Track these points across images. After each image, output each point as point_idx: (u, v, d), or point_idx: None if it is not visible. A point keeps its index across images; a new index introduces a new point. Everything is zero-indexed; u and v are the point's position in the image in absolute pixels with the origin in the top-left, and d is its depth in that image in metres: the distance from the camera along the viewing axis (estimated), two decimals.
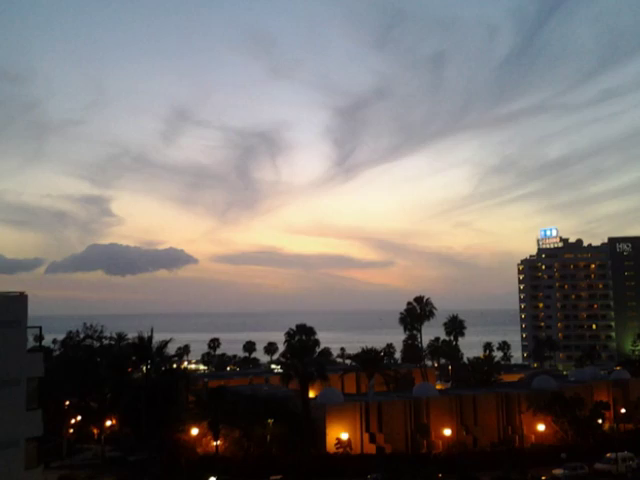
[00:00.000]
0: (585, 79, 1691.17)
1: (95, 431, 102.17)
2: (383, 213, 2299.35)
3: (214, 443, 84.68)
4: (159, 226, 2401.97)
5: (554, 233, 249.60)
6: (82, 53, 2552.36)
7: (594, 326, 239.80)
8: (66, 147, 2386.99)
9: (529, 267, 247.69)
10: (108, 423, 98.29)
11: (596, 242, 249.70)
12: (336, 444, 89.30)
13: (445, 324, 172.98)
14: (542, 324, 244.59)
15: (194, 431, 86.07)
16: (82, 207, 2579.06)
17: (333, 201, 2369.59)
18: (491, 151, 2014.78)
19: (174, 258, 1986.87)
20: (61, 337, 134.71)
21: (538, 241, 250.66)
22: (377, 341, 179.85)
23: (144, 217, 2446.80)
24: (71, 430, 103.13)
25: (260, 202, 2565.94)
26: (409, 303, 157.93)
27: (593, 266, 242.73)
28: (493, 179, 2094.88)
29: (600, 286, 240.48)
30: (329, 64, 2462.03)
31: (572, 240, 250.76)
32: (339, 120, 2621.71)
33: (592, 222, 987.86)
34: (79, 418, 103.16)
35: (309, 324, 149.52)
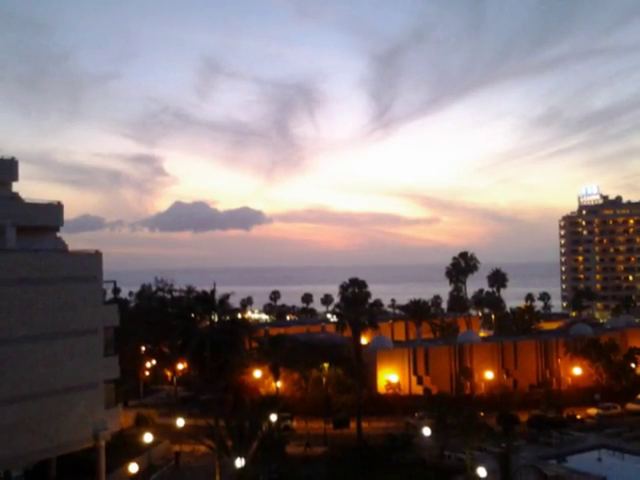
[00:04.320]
0: (634, 17, 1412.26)
1: (168, 374, 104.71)
2: (426, 169, 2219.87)
3: (275, 384, 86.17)
4: (210, 185, 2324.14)
5: (594, 190, 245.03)
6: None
7: (631, 277, 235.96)
8: (103, 103, 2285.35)
9: (570, 223, 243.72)
10: (180, 367, 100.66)
11: (638, 196, 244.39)
12: (386, 386, 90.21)
13: (489, 277, 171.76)
14: (581, 276, 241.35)
15: (257, 374, 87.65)
16: (134, 166, 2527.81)
17: (374, 157, 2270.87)
18: (535, 101, 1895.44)
19: (244, 217, 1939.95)
20: (137, 290, 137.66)
21: (579, 198, 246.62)
22: (425, 293, 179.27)
23: (195, 176, 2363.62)
24: (147, 373, 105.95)
25: (303, 160, 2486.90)
26: (454, 258, 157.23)
27: (631, 221, 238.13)
28: (536, 132, 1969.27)
29: (637, 240, 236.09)
30: (360, 3, 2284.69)
31: (612, 197, 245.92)
32: (375, 68, 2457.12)
33: (635, 175, 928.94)
34: (154, 362, 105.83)
35: (361, 277, 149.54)
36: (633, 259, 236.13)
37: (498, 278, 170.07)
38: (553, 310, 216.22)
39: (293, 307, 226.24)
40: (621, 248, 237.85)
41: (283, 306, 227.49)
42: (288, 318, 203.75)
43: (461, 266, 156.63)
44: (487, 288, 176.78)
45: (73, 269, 49.88)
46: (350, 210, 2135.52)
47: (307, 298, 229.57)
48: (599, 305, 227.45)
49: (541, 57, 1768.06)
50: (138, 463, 56.20)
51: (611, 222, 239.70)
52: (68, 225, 54.20)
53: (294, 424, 78.41)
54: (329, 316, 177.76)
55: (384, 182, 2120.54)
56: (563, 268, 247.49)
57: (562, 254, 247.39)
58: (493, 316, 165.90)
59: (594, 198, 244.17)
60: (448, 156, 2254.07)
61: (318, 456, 65.42)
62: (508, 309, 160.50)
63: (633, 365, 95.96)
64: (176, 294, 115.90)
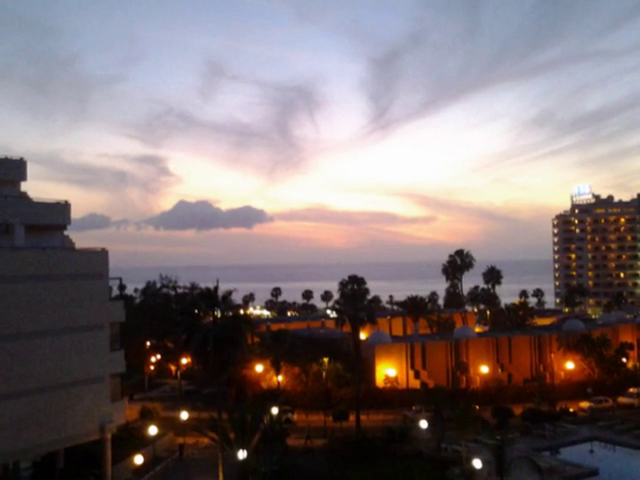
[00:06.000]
0: (626, 21, 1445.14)
1: (173, 368, 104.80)
2: (422, 169, 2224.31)
3: (276, 378, 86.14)
4: (213, 185, 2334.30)
5: (587, 190, 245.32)
6: (111, 3, 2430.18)
7: (622, 275, 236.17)
8: (109, 105, 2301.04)
9: (563, 222, 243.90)
10: (184, 361, 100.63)
11: (629, 195, 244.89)
12: (384, 380, 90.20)
13: (484, 274, 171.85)
14: (574, 273, 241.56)
15: (259, 368, 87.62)
16: (139, 166, 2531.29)
17: (372, 158, 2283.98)
18: (528, 103, 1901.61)
19: (246, 216, 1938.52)
20: (142, 287, 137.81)
21: (572, 197, 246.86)
22: (422, 289, 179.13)
23: (199, 176, 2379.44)
24: (152, 367, 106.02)
25: (304, 160, 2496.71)
26: (450, 256, 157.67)
27: (623, 220, 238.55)
28: (530, 133, 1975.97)
29: (628, 238, 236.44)
30: (359, 8, 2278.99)
31: (604, 196, 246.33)
32: (373, 71, 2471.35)
33: (626, 175, 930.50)
34: (158, 357, 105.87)
35: (360, 275, 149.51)
36: (624, 257, 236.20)
37: (493, 275, 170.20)
38: (546, 306, 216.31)
39: (294, 303, 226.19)
40: (612, 246, 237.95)
41: (284, 302, 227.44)
42: (289, 314, 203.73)
43: (457, 263, 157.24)
44: (482, 285, 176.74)
45: (80, 266, 49.82)
46: (349, 209, 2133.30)
47: (307, 294, 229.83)
48: (591, 301, 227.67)
49: (534, 60, 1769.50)
50: (143, 455, 56.29)
51: (603, 221, 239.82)
52: (75, 224, 54.23)
53: (295, 417, 78.49)
54: (329, 312, 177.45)
55: (382, 182, 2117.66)
56: (556, 265, 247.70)
57: (555, 252, 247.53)
58: (488, 312, 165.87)
59: (586, 197, 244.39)
60: (444, 157, 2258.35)
61: (318, 448, 65.41)
62: (503, 305, 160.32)
63: (624, 360, 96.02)
64: (180, 291, 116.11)
